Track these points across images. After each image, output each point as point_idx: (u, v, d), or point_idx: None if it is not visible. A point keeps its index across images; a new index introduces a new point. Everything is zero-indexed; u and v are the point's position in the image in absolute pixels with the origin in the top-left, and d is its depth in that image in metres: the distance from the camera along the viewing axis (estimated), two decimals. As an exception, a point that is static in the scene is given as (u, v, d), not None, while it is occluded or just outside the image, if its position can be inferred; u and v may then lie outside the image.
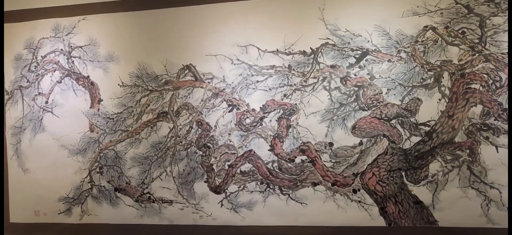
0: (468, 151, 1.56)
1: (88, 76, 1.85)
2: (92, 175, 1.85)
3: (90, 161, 1.85)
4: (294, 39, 1.67)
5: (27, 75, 1.92)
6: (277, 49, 1.69)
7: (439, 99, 1.58)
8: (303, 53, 1.67)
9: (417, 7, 1.60)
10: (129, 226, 1.81)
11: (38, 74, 1.91)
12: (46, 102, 1.89)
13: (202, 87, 1.75)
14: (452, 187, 1.57)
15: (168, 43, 1.77)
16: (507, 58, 1.53)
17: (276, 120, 1.69)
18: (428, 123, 1.59)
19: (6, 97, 1.94)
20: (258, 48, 1.70)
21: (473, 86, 1.56)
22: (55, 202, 1.88)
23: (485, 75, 1.56)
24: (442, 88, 1.58)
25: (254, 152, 1.70)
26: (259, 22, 1.70)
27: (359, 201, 1.63)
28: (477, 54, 1.56)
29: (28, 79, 1.91)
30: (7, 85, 1.94)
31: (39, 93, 1.90)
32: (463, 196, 1.56)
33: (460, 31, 1.58)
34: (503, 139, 1.53)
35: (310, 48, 1.67)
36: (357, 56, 1.64)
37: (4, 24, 1.95)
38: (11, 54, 1.94)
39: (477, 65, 1.56)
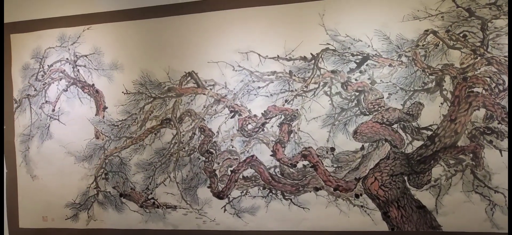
0: (471, 155, 1.36)
1: (93, 85, 1.67)
2: (98, 181, 1.67)
3: (96, 167, 1.66)
4: (294, 45, 1.48)
5: (34, 84, 1.73)
6: (278, 55, 1.49)
7: (441, 103, 1.38)
8: (304, 58, 1.48)
9: (418, 11, 1.40)
10: (134, 231, 1.63)
11: (45, 83, 1.72)
12: (53, 110, 1.70)
13: (204, 94, 1.56)
14: (455, 191, 1.37)
15: (171, 51, 1.58)
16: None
17: (278, 126, 1.50)
18: (430, 127, 1.39)
19: (14, 105, 1.75)
20: (259, 55, 1.51)
21: (475, 89, 1.36)
22: (63, 208, 1.70)
23: (488, 79, 1.36)
24: (444, 92, 1.38)
25: (256, 158, 1.51)
26: (260, 28, 1.51)
27: (362, 206, 1.43)
28: (479, 58, 1.36)
29: (35, 88, 1.73)
30: (16, 94, 1.75)
31: (46, 101, 1.71)
32: (467, 200, 1.36)
33: (461, 35, 1.37)
34: (508, 143, 1.33)
35: (311, 53, 1.47)
36: (357, 61, 1.44)
37: (12, 35, 1.77)
38: (19, 63, 1.75)
39: (479, 69, 1.36)
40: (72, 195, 1.69)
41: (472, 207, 1.35)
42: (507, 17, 1.33)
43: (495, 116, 1.34)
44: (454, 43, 1.38)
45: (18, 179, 1.74)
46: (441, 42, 1.39)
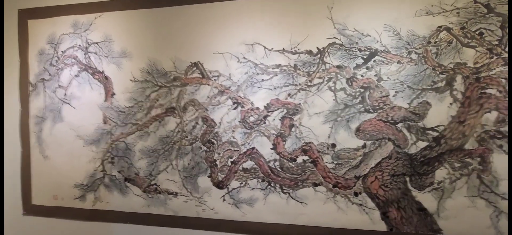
0: (479, 159, 1.30)
1: (103, 71, 1.71)
2: (105, 164, 1.72)
3: (103, 151, 1.72)
4: (300, 38, 1.45)
5: (49, 69, 1.80)
6: (283, 48, 1.47)
7: (450, 103, 1.32)
8: (310, 52, 1.44)
9: (432, 6, 1.33)
10: (137, 214, 1.68)
11: (59, 68, 1.78)
12: (65, 94, 1.77)
13: (208, 85, 1.56)
14: (459, 195, 1.32)
15: (178, 41, 1.59)
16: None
17: (280, 119, 1.49)
18: (436, 128, 1.33)
19: (30, 89, 1.83)
20: (265, 47, 1.49)
21: (488, 91, 1.29)
22: (71, 188, 1.77)
23: (503, 80, 1.28)
24: (454, 93, 1.32)
25: (257, 150, 1.51)
26: (267, 20, 1.48)
27: (360, 204, 1.41)
28: (495, 57, 1.28)
29: (49, 72, 1.80)
30: (32, 78, 1.83)
31: (59, 86, 1.78)
32: (471, 205, 1.31)
33: (477, 32, 1.30)
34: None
35: (317, 47, 1.44)
36: (365, 57, 1.39)
37: (29, 21, 1.84)
38: (35, 49, 1.82)
39: (494, 69, 1.28)
40: (80, 177, 1.76)
41: (476, 212, 1.30)
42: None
43: (508, 120, 1.27)
44: (468, 41, 1.31)
45: (32, 158, 1.83)
46: (454, 40, 1.32)
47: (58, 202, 1.80)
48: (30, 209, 1.85)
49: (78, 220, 1.77)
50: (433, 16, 1.33)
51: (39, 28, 1.81)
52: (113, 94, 1.70)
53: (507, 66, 1.27)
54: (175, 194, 1.63)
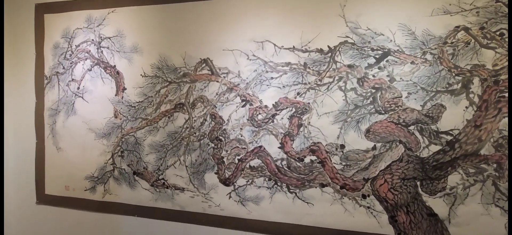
0: (495, 165, 1.25)
1: (115, 66, 1.74)
2: (115, 158, 1.76)
3: (113, 144, 1.76)
4: (311, 36, 1.42)
5: (63, 62, 1.84)
6: (294, 46, 1.45)
7: (466, 107, 1.27)
8: (320, 51, 1.42)
9: (450, 5, 1.28)
10: (145, 208, 1.71)
11: (72, 62, 1.82)
12: (78, 88, 1.81)
13: (217, 82, 1.57)
14: (472, 202, 1.27)
15: (188, 37, 1.59)
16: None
17: (288, 118, 1.47)
18: (450, 132, 1.29)
19: (45, 81, 1.88)
20: (275, 45, 1.47)
21: (507, 94, 1.23)
22: (83, 180, 1.82)
23: (524, 84, 1.22)
24: (471, 95, 1.27)
25: (264, 148, 1.51)
26: (277, 18, 1.46)
27: (368, 207, 1.39)
28: (516, 60, 1.22)
29: (63, 66, 1.84)
30: (47, 71, 1.88)
31: (72, 79, 1.82)
32: (485, 213, 1.26)
33: (498, 33, 1.24)
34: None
35: (328, 46, 1.41)
36: (377, 56, 1.36)
37: (45, 15, 1.88)
38: (50, 42, 1.87)
39: (515, 72, 1.23)
40: (91, 169, 1.80)
41: (490, 221, 1.25)
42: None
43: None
44: (488, 42, 1.25)
45: (46, 149, 1.88)
46: (473, 40, 1.26)
47: (69, 192, 1.86)
48: (43, 198, 1.91)
49: (88, 211, 1.82)
50: (451, 15, 1.28)
51: (55, 22, 1.85)
52: (124, 89, 1.72)
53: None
54: (182, 189, 1.64)
